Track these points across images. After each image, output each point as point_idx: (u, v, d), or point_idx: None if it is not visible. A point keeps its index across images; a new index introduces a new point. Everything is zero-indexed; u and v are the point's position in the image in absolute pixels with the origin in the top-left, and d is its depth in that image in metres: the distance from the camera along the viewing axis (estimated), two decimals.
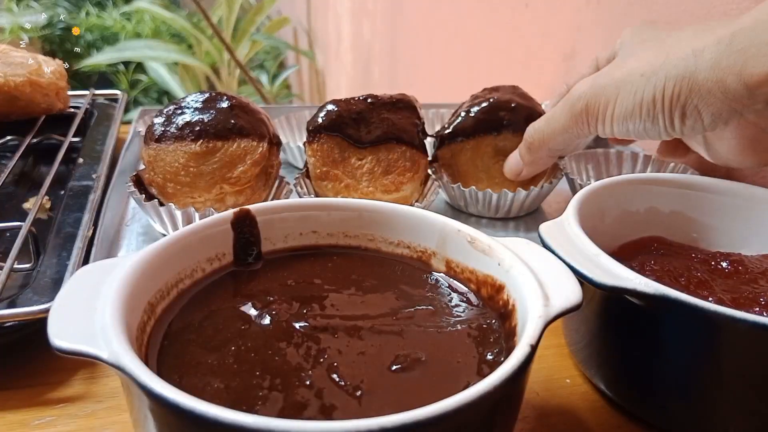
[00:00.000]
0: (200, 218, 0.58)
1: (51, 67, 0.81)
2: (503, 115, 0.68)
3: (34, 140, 0.79)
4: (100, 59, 2.32)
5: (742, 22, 0.42)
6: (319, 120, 0.65)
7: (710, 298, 0.42)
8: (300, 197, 0.64)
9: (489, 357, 0.35)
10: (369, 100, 0.66)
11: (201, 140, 0.60)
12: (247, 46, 2.54)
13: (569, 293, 0.34)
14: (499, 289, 0.39)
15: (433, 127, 0.96)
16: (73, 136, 0.79)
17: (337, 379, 0.33)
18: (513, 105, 0.68)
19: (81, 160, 0.73)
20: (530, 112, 0.68)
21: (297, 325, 0.37)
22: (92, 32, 3.00)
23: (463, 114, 0.70)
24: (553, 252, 0.40)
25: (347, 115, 0.65)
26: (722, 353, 0.37)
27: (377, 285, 0.42)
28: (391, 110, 0.66)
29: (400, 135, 0.64)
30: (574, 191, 0.75)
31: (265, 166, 0.64)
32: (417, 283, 0.43)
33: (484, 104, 0.69)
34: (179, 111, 0.62)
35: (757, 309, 0.41)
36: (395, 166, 0.64)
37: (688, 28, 0.48)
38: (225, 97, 0.64)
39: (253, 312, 0.38)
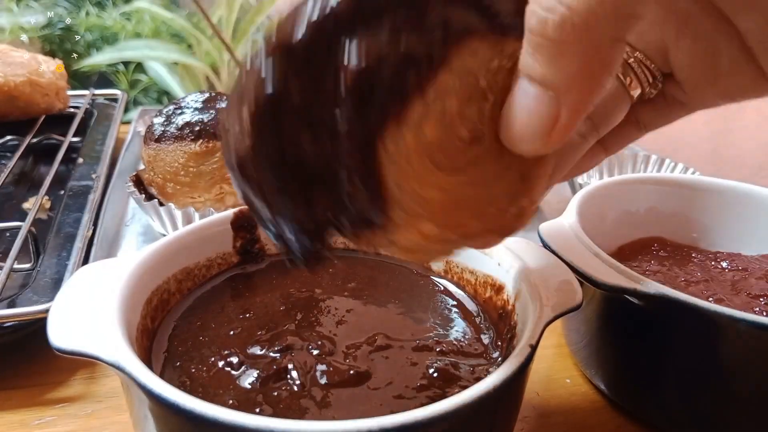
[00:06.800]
0: (200, 218, 0.58)
1: (51, 67, 0.81)
2: None
3: (34, 140, 0.78)
4: (100, 59, 2.32)
5: None
6: None
7: (710, 298, 0.42)
8: None
9: (489, 357, 0.35)
10: None
11: (201, 140, 0.60)
12: (248, 46, 2.54)
13: (569, 293, 0.34)
14: (499, 289, 0.39)
15: None
16: (73, 136, 0.79)
17: (337, 379, 0.32)
18: None
19: (81, 160, 0.73)
20: None
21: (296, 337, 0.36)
22: (92, 32, 2.99)
23: None
24: (553, 252, 0.40)
25: None
26: (722, 353, 0.37)
27: (376, 290, 0.42)
28: None
29: None
30: (574, 191, 0.75)
31: None
32: (416, 286, 0.43)
33: None
34: (179, 111, 0.63)
35: (757, 309, 0.41)
36: None
37: None
38: (225, 97, 0.64)
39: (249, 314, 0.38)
